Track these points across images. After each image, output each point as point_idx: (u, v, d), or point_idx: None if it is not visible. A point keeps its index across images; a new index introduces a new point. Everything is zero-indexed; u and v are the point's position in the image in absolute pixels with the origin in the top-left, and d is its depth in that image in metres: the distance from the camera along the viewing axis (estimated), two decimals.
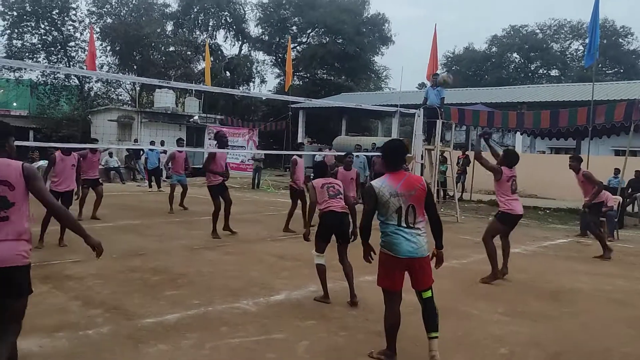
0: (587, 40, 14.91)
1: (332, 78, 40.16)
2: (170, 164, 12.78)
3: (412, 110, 13.44)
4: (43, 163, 21.40)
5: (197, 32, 38.90)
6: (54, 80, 32.36)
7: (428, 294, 3.76)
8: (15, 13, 31.00)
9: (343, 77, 39.61)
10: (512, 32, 46.74)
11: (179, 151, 12.74)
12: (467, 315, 5.09)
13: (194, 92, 30.33)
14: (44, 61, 31.56)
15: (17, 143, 8.59)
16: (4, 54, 30.30)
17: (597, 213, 8.96)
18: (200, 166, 23.38)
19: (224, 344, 4.07)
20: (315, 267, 5.44)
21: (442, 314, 5.08)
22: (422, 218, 3.75)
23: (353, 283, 5.38)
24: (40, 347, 3.84)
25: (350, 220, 5.62)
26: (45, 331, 4.14)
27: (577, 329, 4.85)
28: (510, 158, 6.79)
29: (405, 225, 3.67)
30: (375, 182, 3.78)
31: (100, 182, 10.94)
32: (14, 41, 31.56)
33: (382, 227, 3.77)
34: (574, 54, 45.64)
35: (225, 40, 39.93)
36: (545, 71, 47.37)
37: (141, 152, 20.60)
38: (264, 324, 4.56)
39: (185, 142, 16.41)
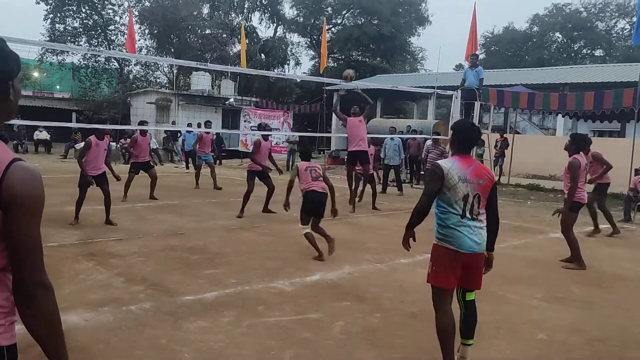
0: (634, 19, 14.26)
1: (367, 60, 39.75)
2: (197, 145, 13.48)
3: (449, 92, 13.21)
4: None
5: (233, 15, 39.04)
6: (94, 64, 33.12)
7: (472, 295, 3.48)
8: None
9: (378, 58, 39.15)
10: (554, 11, 45.11)
11: (206, 132, 13.47)
12: (505, 300, 5.03)
13: (229, 74, 30.54)
14: (85, 44, 32.29)
15: (62, 124, 8.82)
16: (47, 38, 31.13)
17: (603, 193, 9.00)
18: (236, 148, 23.64)
19: (260, 323, 4.14)
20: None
21: (479, 298, 5.03)
22: (484, 210, 3.37)
23: (325, 232, 6.44)
24: (86, 321, 3.99)
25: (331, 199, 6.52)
26: (91, 306, 4.30)
27: (620, 316, 4.73)
28: (579, 143, 6.38)
29: (469, 217, 3.28)
30: (444, 162, 3.35)
31: (152, 164, 11.19)
32: (57, 25, 32.38)
33: (441, 218, 3.34)
34: (620, 33, 43.75)
35: (260, 23, 40.15)
36: (589, 51, 45.63)
37: (179, 134, 20.95)
38: (299, 304, 4.62)
39: (220, 124, 16.56)
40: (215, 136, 22.47)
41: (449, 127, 4.10)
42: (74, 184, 8.00)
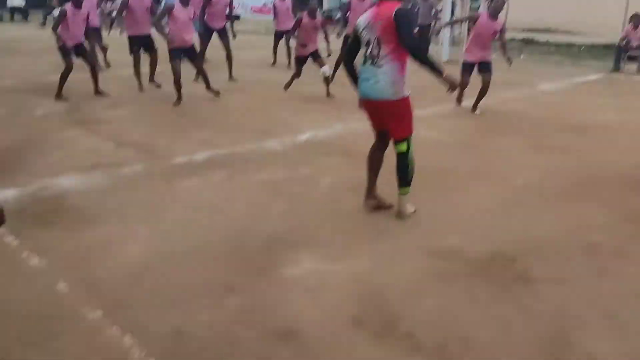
0: None
1: None
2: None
3: None
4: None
5: None
6: None
7: (399, 147, 3.49)
8: None
9: None
10: None
11: None
12: (489, 150, 5.16)
13: None
14: None
15: None
16: None
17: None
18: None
19: (252, 180, 4.26)
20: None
21: (462, 149, 5.17)
22: (389, 54, 3.20)
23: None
24: (78, 184, 4.08)
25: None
26: (81, 170, 4.36)
27: (598, 160, 4.89)
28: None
29: (369, 62, 3.29)
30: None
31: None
32: None
33: None
34: None
35: None
36: None
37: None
38: (290, 162, 4.72)
39: None
40: None
41: None
42: (56, 52, 7.59)
